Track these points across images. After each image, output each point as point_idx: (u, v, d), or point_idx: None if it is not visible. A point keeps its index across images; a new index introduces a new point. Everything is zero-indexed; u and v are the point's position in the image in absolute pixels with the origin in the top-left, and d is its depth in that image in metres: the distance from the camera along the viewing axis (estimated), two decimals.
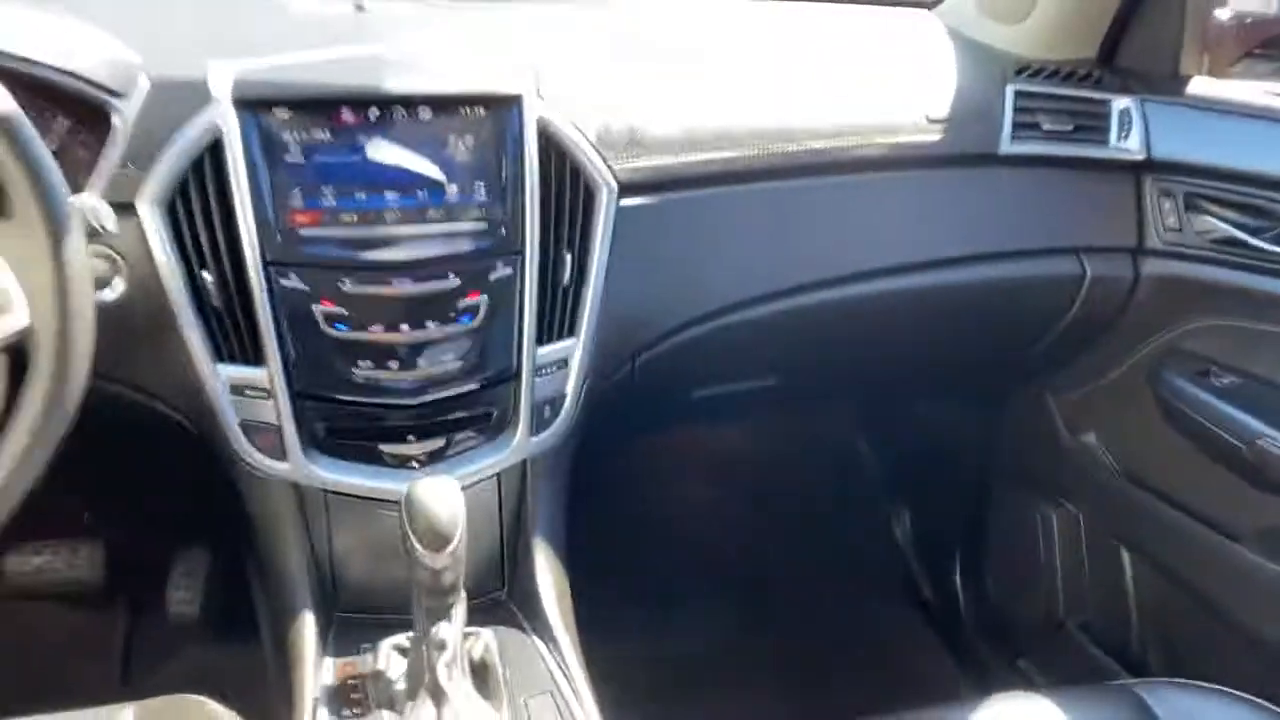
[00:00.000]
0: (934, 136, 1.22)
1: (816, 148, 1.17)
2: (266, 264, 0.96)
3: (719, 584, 1.85)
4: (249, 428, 1.00)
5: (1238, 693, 1.03)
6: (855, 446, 2.03)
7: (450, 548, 0.86)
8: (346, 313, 0.98)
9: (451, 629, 0.89)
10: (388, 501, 1.02)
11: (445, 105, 1.02)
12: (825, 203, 1.21)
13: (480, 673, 0.93)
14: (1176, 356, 1.30)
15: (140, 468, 1.41)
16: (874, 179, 1.22)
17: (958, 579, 1.81)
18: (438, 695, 0.86)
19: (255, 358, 0.98)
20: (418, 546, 0.86)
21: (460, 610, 0.91)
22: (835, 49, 1.34)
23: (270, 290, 0.97)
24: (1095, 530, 1.51)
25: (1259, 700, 1.02)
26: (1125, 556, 1.45)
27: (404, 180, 1.01)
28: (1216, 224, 1.20)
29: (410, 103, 1.01)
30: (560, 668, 0.98)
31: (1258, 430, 1.14)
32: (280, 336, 0.97)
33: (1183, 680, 1.05)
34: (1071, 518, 1.54)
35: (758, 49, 1.28)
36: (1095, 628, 1.53)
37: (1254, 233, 1.16)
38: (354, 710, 0.91)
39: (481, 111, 1.03)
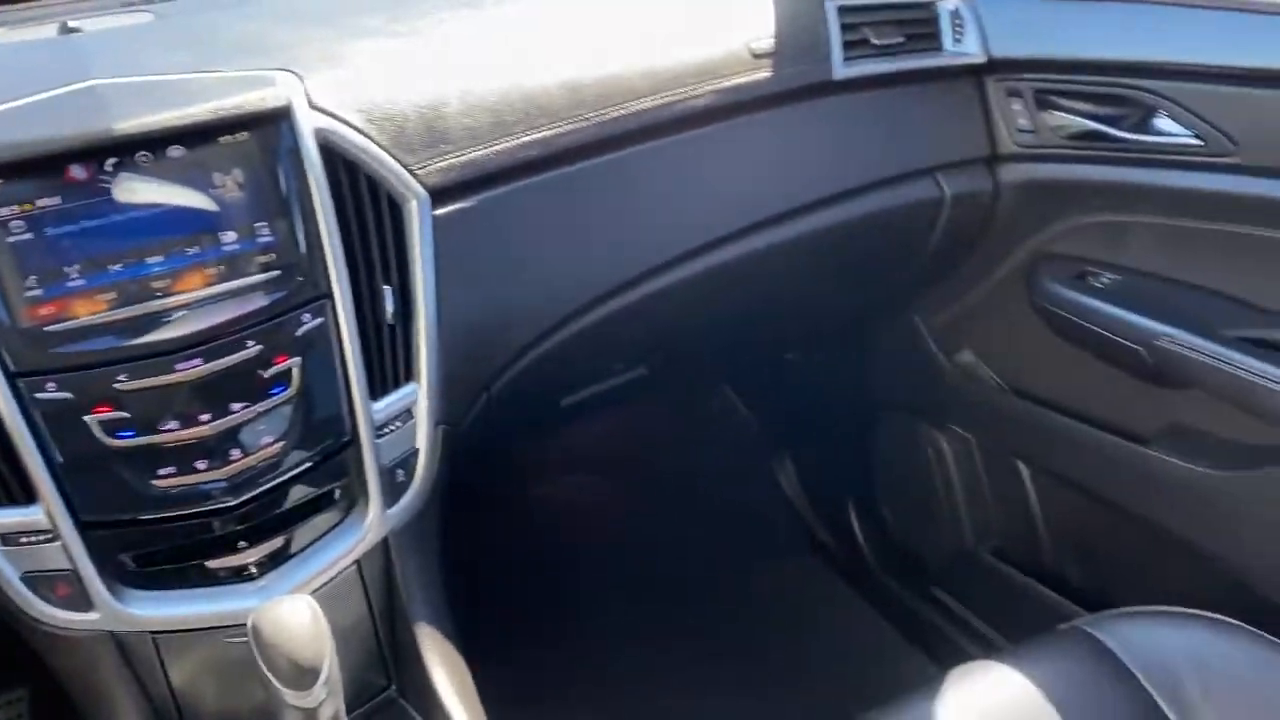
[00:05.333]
0: (763, 73, 1.09)
1: (641, 109, 1.03)
2: (13, 377, 0.77)
3: (621, 585, 1.75)
4: (35, 580, 0.81)
5: (1180, 610, 0.99)
6: (731, 410, 1.93)
7: (321, 679, 0.72)
8: (129, 415, 0.79)
9: None
10: (231, 626, 0.85)
11: (198, 137, 0.83)
12: (663, 169, 1.07)
13: None
14: (1049, 262, 1.24)
15: None
16: (709, 133, 1.09)
17: (854, 521, 1.75)
18: None
19: (25, 495, 0.79)
20: (281, 688, 0.71)
21: None
22: None
23: (25, 409, 0.77)
24: (989, 450, 1.46)
25: (1192, 611, 0.99)
26: (1025, 473, 1.41)
27: (166, 237, 0.82)
28: (1071, 119, 1.13)
29: (154, 141, 0.81)
30: None
31: (1156, 330, 1.08)
32: (51, 463, 0.78)
33: (1126, 610, 1.01)
34: (963, 440, 1.49)
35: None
36: (1007, 550, 1.49)
37: (1112, 123, 1.10)
38: None
39: (244, 136, 0.84)
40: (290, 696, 0.72)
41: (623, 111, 1.02)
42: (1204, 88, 1.01)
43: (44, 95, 0.83)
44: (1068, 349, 1.23)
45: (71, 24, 1.01)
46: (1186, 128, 1.03)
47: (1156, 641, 0.96)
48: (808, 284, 1.32)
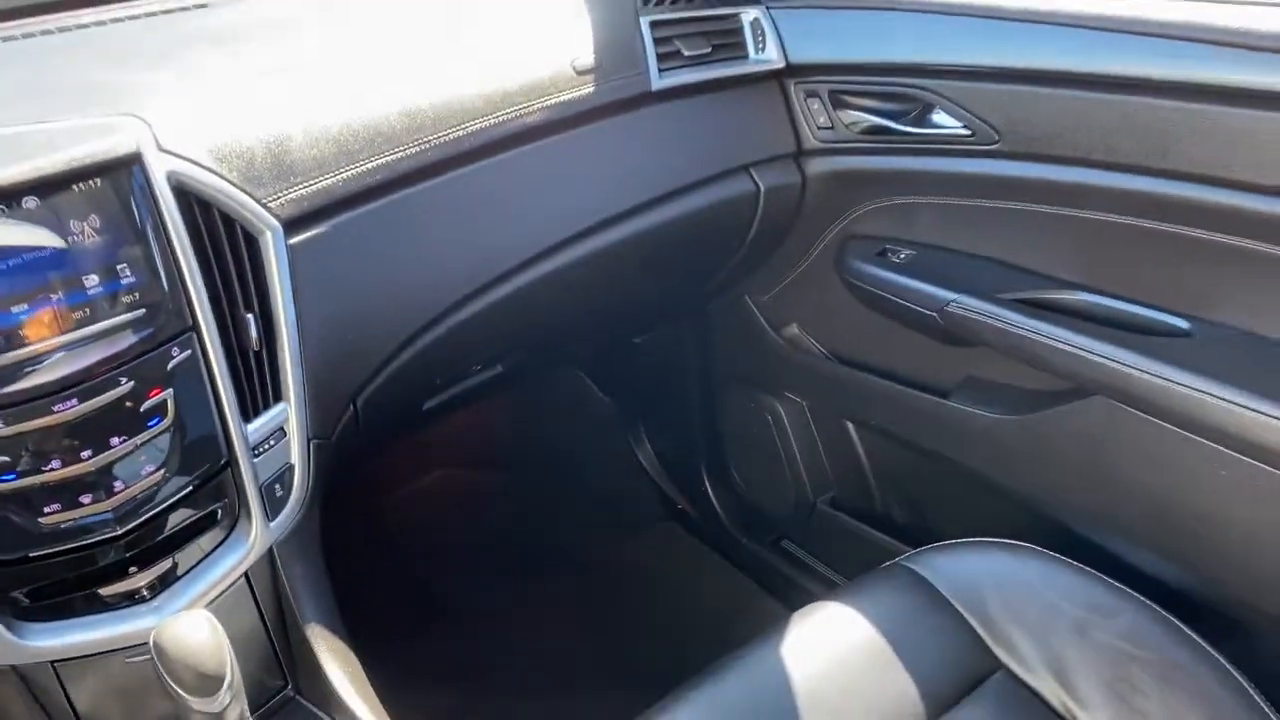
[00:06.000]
0: (586, 89, 1.18)
1: (477, 129, 1.09)
2: None
3: (493, 568, 1.82)
4: None
5: (985, 539, 1.13)
6: (586, 395, 2.02)
7: (225, 685, 0.78)
8: (9, 459, 0.82)
9: None
10: (130, 647, 0.89)
11: (52, 187, 0.84)
12: (501, 184, 1.14)
13: None
14: (854, 242, 1.38)
15: None
16: (541, 146, 1.16)
17: (707, 485, 1.87)
18: None
19: None
20: (187, 697, 0.77)
21: None
22: (460, 7, 1.24)
23: None
24: (820, 412, 1.60)
25: (993, 540, 1.13)
26: (852, 430, 1.55)
27: (29, 285, 0.83)
28: (862, 115, 1.26)
29: (7, 194, 0.83)
30: None
31: (945, 297, 1.22)
32: None
33: (939, 544, 1.14)
34: (797, 406, 1.62)
35: (379, 25, 1.17)
36: (842, 500, 1.64)
37: (896, 117, 1.23)
38: None
39: (98, 183, 0.86)
40: (197, 704, 0.77)
41: (460, 132, 1.08)
42: (969, 85, 1.14)
43: None
44: (876, 318, 1.37)
45: None
46: (957, 120, 1.17)
47: (964, 569, 1.10)
48: (646, 277, 1.41)
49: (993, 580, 1.08)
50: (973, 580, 1.08)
